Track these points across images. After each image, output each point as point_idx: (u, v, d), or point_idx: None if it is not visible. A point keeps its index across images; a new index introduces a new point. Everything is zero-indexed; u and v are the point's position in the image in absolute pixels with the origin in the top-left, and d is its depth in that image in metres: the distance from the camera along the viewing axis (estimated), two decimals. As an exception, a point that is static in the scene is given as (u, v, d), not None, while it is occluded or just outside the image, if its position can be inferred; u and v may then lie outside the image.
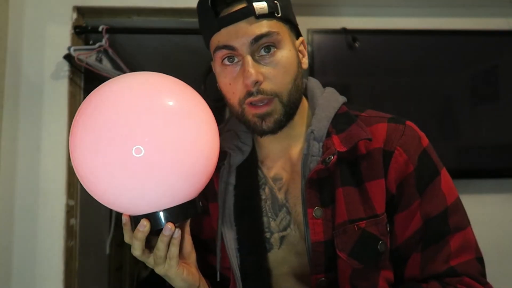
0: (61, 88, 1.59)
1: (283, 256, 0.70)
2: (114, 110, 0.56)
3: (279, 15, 0.65)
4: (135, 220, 0.62)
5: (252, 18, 0.63)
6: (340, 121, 0.70)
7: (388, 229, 0.68)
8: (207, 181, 0.63)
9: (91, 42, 1.68)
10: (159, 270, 0.63)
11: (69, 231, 1.57)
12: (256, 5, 0.63)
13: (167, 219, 0.60)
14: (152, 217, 0.60)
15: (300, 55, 0.70)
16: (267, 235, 0.70)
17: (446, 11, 1.79)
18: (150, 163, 0.55)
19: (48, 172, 1.55)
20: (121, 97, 0.57)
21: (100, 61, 1.67)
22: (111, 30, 1.64)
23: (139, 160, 0.54)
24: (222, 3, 0.65)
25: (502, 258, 1.73)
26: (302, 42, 0.72)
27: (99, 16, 1.68)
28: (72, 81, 1.61)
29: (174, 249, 0.61)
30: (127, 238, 0.63)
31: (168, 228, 0.59)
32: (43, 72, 1.58)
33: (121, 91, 0.58)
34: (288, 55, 0.65)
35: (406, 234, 0.67)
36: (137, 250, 0.62)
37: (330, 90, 0.76)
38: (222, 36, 0.64)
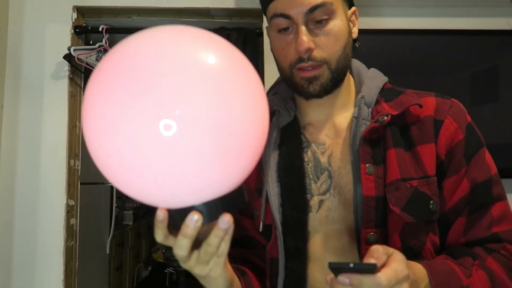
0: (61, 88, 1.59)
1: (319, 221, 0.71)
2: (133, 73, 0.42)
3: None
4: (175, 214, 0.49)
5: None
6: (388, 93, 0.74)
7: (438, 192, 0.70)
8: (257, 161, 0.52)
9: (91, 42, 1.68)
10: (201, 270, 0.53)
11: (69, 231, 1.57)
12: None
13: (223, 209, 0.48)
14: (203, 208, 0.48)
15: (351, 25, 0.74)
16: (308, 196, 0.72)
17: (446, 11, 1.78)
18: (185, 143, 0.42)
19: (48, 172, 1.55)
20: (142, 55, 0.44)
21: (100, 61, 1.67)
22: (111, 30, 1.64)
23: (170, 140, 0.41)
24: None
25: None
26: (354, 12, 0.75)
27: (99, 16, 1.69)
28: (72, 81, 1.62)
29: (225, 246, 0.52)
30: (161, 237, 0.51)
31: (226, 220, 0.49)
32: (43, 72, 1.58)
33: (142, 47, 0.45)
34: (340, 24, 0.68)
35: (454, 199, 0.69)
36: (184, 250, 0.50)
37: (375, 69, 0.80)
38: (279, 5, 0.68)
